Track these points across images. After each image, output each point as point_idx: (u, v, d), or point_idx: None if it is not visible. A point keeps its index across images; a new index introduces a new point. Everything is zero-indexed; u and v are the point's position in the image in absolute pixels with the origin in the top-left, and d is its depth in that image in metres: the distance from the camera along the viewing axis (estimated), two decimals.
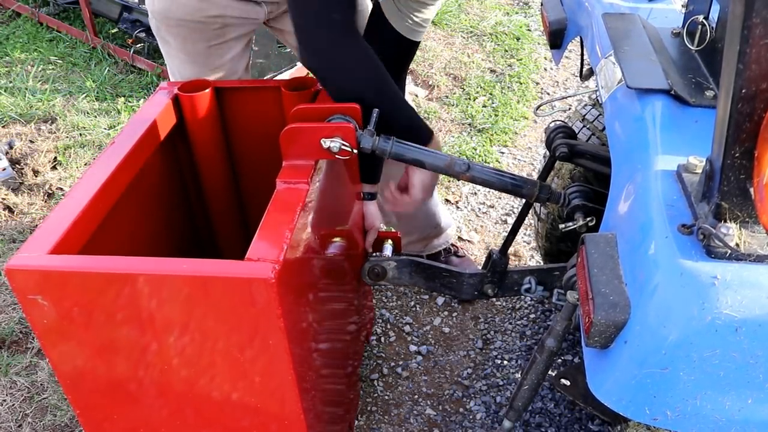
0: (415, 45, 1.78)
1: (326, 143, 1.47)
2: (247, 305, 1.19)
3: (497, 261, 1.88)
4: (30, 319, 1.26)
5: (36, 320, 1.26)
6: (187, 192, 1.92)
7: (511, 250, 2.58)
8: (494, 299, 2.42)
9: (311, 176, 1.43)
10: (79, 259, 1.26)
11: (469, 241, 2.61)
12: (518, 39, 3.96)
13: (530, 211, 2.49)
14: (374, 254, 1.96)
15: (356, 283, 1.91)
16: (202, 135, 1.79)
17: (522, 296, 2.42)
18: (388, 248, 1.97)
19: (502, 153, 3.11)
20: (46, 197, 2.84)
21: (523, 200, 1.80)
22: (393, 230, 2.10)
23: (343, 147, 1.47)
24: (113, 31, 3.97)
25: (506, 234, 1.90)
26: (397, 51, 1.76)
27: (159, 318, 1.25)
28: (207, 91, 1.71)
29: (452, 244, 2.49)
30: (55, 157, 3.04)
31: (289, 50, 3.35)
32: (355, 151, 1.50)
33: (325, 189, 1.54)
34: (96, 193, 1.37)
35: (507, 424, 1.62)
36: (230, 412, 1.40)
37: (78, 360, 1.33)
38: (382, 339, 2.29)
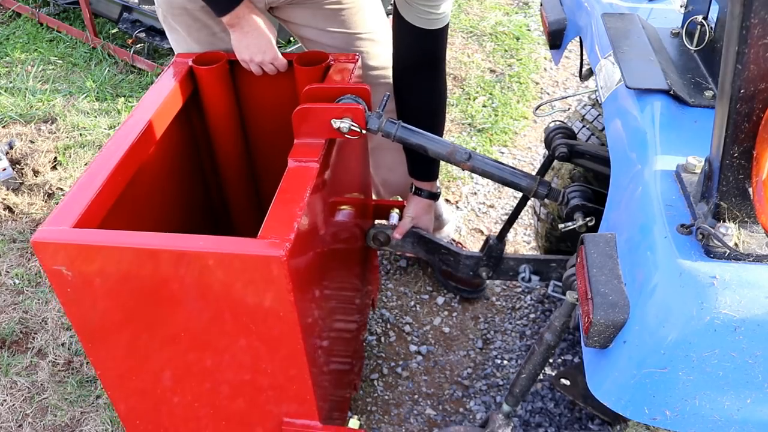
0: (435, 33, 1.79)
1: (336, 123, 1.51)
2: (260, 280, 1.26)
3: (493, 246, 1.91)
4: (55, 288, 1.34)
5: (60, 289, 1.33)
6: (202, 165, 1.96)
7: (511, 249, 2.58)
8: (494, 299, 2.42)
9: (321, 155, 1.47)
10: (102, 233, 1.32)
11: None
12: (518, 39, 3.95)
13: (530, 212, 2.50)
14: (379, 222, 2.01)
15: (363, 255, 1.97)
16: (216, 107, 1.83)
17: (521, 294, 2.42)
18: (394, 216, 2.02)
19: (502, 153, 3.11)
20: (46, 197, 2.84)
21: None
22: (400, 199, 2.11)
23: (352, 127, 1.52)
24: (113, 31, 3.97)
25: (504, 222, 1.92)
26: (418, 41, 1.79)
27: (175, 290, 1.31)
28: (221, 63, 1.75)
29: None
30: (55, 158, 3.04)
31: (290, 50, 3.31)
32: (364, 131, 1.54)
33: (335, 166, 1.59)
34: (115, 167, 1.43)
35: (505, 408, 1.65)
36: (242, 378, 1.47)
37: (99, 326, 1.41)
38: (382, 339, 2.29)
